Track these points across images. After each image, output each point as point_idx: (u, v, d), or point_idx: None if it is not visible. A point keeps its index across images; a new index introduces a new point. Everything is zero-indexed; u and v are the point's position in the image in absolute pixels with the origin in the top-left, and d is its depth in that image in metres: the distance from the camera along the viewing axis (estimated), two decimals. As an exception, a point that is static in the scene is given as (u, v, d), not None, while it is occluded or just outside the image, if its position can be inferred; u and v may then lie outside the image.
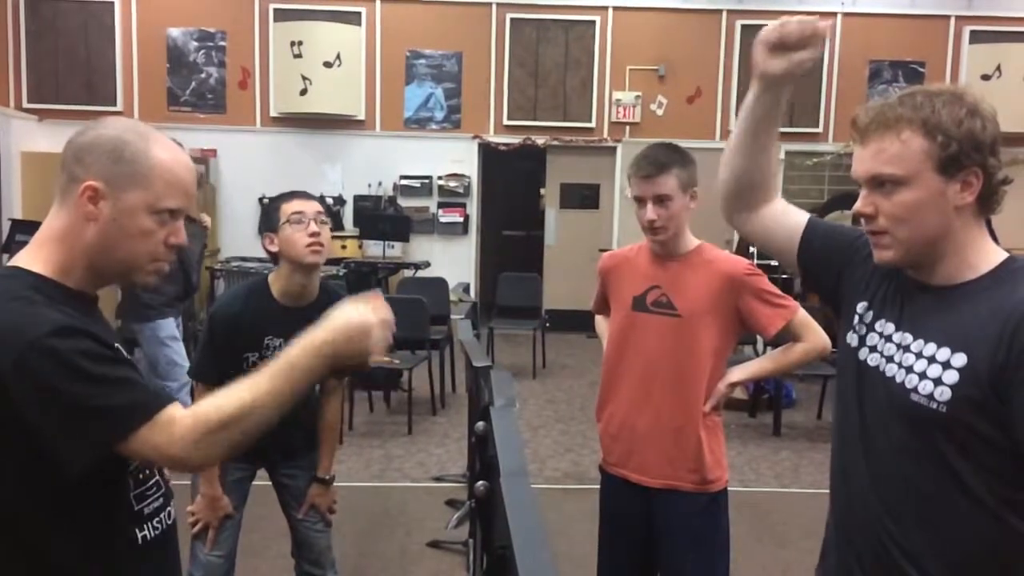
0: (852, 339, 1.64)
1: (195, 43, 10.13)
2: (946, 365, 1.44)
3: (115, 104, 9.99)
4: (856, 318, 1.65)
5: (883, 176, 1.47)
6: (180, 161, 1.50)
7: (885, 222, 1.49)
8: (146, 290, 4.73)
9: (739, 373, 2.62)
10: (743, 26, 10.31)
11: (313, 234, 2.64)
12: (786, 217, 1.79)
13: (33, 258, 1.45)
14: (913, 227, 1.47)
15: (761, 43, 1.60)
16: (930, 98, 1.45)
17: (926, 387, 1.45)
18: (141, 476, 1.51)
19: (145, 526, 1.51)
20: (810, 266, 1.77)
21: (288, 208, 2.67)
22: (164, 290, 5.20)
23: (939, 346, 1.46)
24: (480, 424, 2.13)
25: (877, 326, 1.60)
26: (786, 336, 2.59)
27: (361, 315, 1.48)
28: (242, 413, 1.40)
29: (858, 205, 1.53)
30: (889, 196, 1.48)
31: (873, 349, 1.58)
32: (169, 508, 1.59)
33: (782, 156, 10.35)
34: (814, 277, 1.78)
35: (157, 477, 1.56)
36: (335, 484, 3.00)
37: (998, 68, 10.05)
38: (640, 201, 2.54)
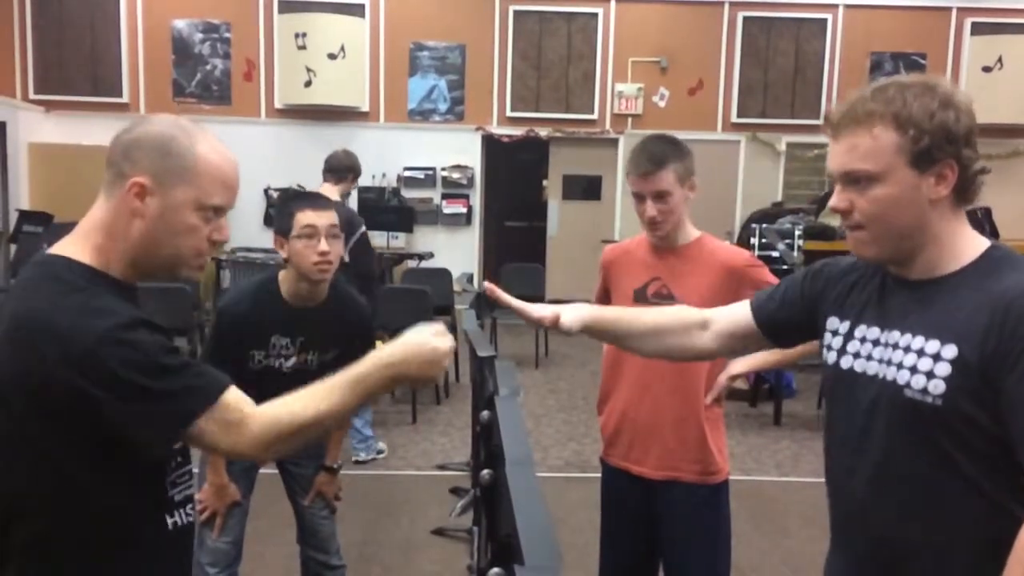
0: (830, 356, 1.64)
1: (200, 35, 10.17)
2: (937, 357, 1.43)
3: (121, 95, 10.05)
4: (828, 335, 1.65)
5: (856, 172, 1.46)
6: (225, 158, 1.51)
7: (861, 217, 1.48)
8: None
9: (740, 365, 2.55)
10: (745, 18, 10.34)
11: (323, 252, 2.62)
12: (733, 324, 1.85)
13: (80, 248, 1.46)
14: (889, 222, 1.46)
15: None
16: (902, 91, 1.43)
17: (919, 381, 1.44)
18: (175, 463, 1.53)
19: (175, 513, 1.53)
20: (785, 333, 1.81)
21: (301, 219, 2.64)
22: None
23: (927, 339, 1.45)
24: (485, 413, 2.13)
25: (857, 333, 1.58)
26: None
27: (438, 343, 1.56)
28: (315, 421, 1.47)
29: (833, 201, 1.52)
30: (863, 192, 1.46)
31: (857, 356, 1.57)
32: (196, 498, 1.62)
33: (783, 148, 10.38)
34: (796, 335, 1.82)
35: (190, 466, 1.58)
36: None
37: (999, 60, 10.06)
38: (639, 197, 2.52)
